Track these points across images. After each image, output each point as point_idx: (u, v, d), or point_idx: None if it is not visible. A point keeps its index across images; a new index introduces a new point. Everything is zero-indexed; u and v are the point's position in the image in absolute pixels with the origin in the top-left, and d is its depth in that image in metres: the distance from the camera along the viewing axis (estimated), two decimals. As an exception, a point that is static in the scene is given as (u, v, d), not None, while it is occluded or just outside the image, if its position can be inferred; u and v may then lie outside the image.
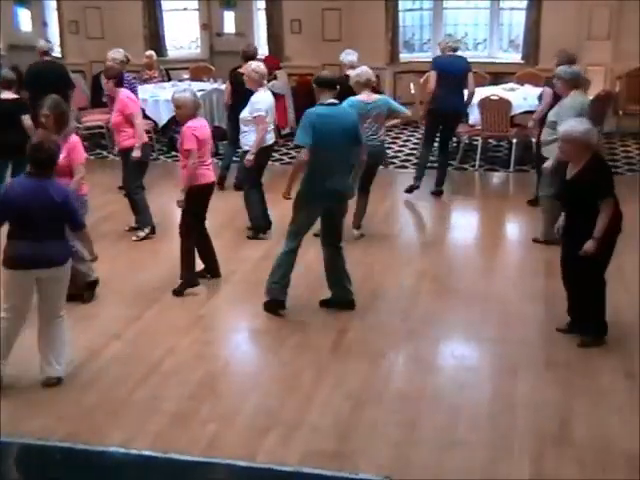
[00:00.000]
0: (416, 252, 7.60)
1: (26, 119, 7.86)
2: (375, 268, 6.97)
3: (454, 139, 9.89)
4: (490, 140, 10.51)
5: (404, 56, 12.35)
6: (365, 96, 7.28)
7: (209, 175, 6.51)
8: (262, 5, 12.83)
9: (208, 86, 11.10)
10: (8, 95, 7.93)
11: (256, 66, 7.58)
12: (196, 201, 6.41)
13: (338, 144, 5.75)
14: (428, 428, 4.68)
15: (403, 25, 12.48)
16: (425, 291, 6.58)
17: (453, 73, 8.63)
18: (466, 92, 8.82)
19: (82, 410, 4.91)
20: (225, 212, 8.34)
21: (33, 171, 4.90)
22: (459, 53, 8.97)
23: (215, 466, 4.37)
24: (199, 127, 6.38)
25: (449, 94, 8.59)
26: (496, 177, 9.87)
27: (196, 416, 4.82)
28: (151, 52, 11.87)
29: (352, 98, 7.19)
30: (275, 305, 6.09)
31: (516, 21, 12.14)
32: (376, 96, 7.42)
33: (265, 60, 12.65)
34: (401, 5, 12.20)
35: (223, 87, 11.07)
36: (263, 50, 12.95)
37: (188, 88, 7.09)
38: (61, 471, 4.40)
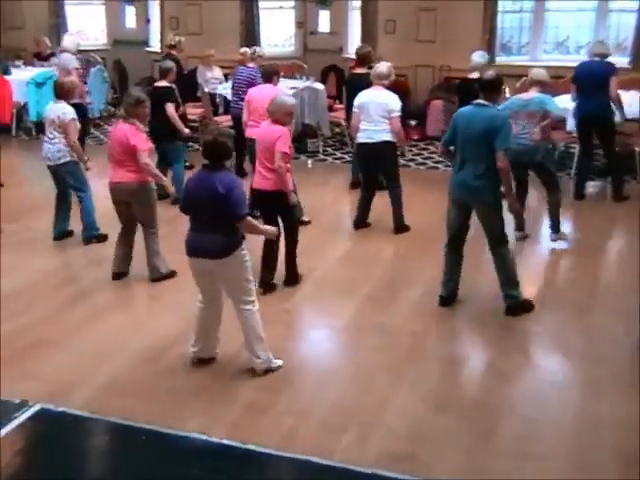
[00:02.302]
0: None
1: (168, 107, 8.35)
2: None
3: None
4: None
5: (500, 59, 12.08)
6: (526, 94, 7.37)
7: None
8: (357, 4, 12.86)
9: (300, 83, 11.20)
10: (161, 83, 8.53)
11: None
12: None
13: (469, 143, 5.86)
14: (504, 439, 4.56)
15: (501, 27, 12.23)
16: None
17: (590, 79, 8.60)
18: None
19: (163, 395, 5.02)
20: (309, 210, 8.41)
21: (206, 164, 5.05)
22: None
23: (294, 461, 4.39)
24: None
25: (586, 100, 8.65)
26: (592, 186, 9.56)
27: (273, 408, 4.85)
28: (245, 49, 12.00)
29: (514, 96, 7.44)
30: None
31: (624, 23, 11.68)
32: (533, 94, 7.32)
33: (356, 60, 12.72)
34: (500, 6, 11.92)
35: (315, 85, 11.20)
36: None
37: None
38: (143, 452, 4.53)
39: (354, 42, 12.85)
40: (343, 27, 13.17)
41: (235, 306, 5.17)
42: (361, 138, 7.79)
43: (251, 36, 13.14)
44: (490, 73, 6.17)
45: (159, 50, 13.81)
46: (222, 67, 11.85)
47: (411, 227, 7.96)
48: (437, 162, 10.69)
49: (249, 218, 5.05)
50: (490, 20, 11.66)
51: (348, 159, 10.70)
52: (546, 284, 6.80)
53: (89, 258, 7.41)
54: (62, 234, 7.77)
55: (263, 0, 13.39)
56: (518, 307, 6.07)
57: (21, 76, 11.96)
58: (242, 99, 9.22)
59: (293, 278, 6.71)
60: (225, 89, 11.26)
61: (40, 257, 7.40)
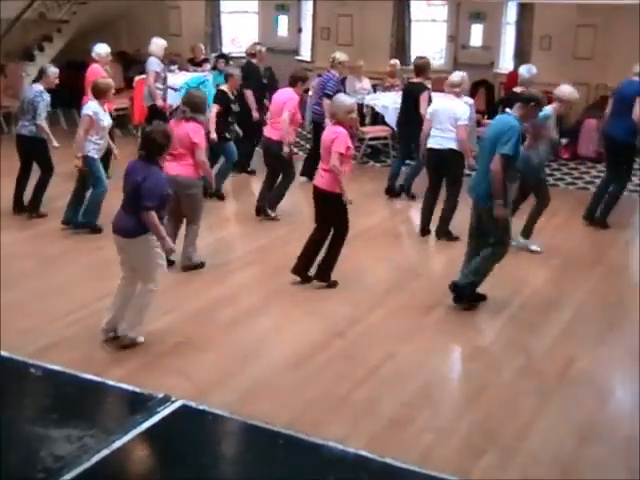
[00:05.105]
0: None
1: (212, 107, 8.63)
2: (610, 299, 6.57)
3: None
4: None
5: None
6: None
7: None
8: (512, 19, 12.61)
9: (448, 97, 11.04)
10: (221, 87, 9.14)
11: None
12: None
13: (482, 148, 6.21)
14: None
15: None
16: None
17: (619, 98, 8.23)
18: None
19: (302, 402, 5.04)
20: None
21: (141, 153, 5.49)
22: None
23: (431, 478, 4.27)
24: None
25: (612, 121, 8.24)
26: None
27: (412, 424, 4.77)
28: (395, 61, 12.05)
29: None
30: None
31: None
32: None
33: (509, 75, 12.46)
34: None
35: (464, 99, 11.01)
36: (508, 65, 12.72)
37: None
38: (279, 456, 4.53)
39: (507, 57, 12.61)
40: (496, 42, 12.94)
41: (138, 280, 5.57)
42: (430, 144, 7.80)
43: (401, 48, 13.16)
44: (530, 90, 6.35)
45: (309, 59, 14.05)
46: (371, 78, 11.89)
47: (562, 250, 7.64)
48: (587, 182, 10.28)
49: (152, 213, 5.29)
50: (657, 36, 11.07)
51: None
52: None
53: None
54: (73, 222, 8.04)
55: (415, 13, 13.38)
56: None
57: (175, 80, 12.41)
58: (320, 104, 9.49)
59: (323, 274, 6.69)
60: (372, 100, 11.28)
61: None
